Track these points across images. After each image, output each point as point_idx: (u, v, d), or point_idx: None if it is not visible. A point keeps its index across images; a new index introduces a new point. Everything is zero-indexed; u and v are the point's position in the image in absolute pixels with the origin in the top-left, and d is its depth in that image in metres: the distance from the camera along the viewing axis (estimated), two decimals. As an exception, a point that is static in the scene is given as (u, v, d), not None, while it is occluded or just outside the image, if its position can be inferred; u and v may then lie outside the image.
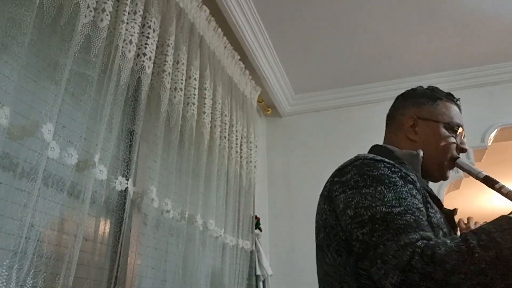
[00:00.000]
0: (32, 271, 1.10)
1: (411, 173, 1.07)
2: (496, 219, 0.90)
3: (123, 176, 1.50)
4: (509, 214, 0.91)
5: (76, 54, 1.28)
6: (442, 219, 1.08)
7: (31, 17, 1.12)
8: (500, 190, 1.16)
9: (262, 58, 2.87)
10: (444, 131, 1.22)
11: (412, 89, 1.34)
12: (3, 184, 1.14)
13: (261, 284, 2.66)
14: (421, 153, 1.19)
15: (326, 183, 1.11)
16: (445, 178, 1.25)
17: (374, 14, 2.60)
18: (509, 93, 3.11)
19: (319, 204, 1.12)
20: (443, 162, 1.22)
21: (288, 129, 3.58)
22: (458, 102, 1.31)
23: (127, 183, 1.50)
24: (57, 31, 1.28)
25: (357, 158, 1.06)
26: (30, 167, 1.11)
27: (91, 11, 1.36)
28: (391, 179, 0.99)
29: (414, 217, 0.92)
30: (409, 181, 1.01)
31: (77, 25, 1.29)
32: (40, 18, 1.19)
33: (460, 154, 1.26)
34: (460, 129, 1.24)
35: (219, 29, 2.37)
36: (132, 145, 1.59)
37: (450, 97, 1.29)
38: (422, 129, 1.23)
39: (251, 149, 2.74)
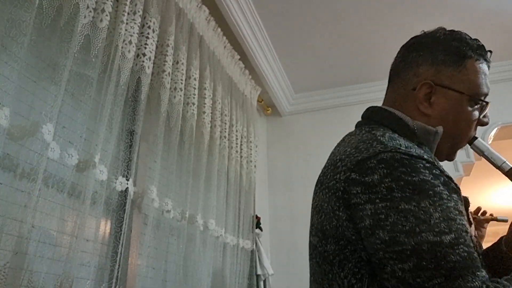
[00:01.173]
0: (33, 272, 1.10)
1: (439, 163, 0.87)
2: None
3: (123, 176, 1.50)
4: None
5: (75, 55, 1.28)
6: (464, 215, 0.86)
7: (30, 17, 1.12)
8: None
9: (261, 57, 2.87)
10: (467, 104, 0.95)
11: (431, 34, 1.01)
12: (4, 185, 1.14)
13: (262, 283, 2.66)
14: (440, 130, 0.93)
15: (334, 174, 0.85)
16: (452, 159, 1.02)
17: (374, 14, 2.60)
18: (509, 92, 3.11)
19: (323, 202, 0.87)
20: (460, 142, 0.98)
21: (288, 128, 3.58)
22: (490, 58, 1.01)
23: (127, 183, 1.50)
24: (56, 31, 1.28)
25: (385, 148, 0.80)
26: (30, 167, 1.11)
27: (90, 11, 1.36)
28: (435, 188, 0.76)
29: (467, 249, 0.72)
30: (452, 189, 0.79)
31: (76, 25, 1.29)
32: (39, 19, 1.19)
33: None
34: (487, 105, 0.97)
35: (219, 29, 2.37)
36: (132, 145, 1.59)
37: (482, 53, 0.99)
38: (439, 99, 0.95)
39: (251, 149, 2.74)
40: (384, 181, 0.76)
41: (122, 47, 1.48)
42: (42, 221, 1.16)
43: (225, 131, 2.36)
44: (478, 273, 0.70)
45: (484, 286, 0.68)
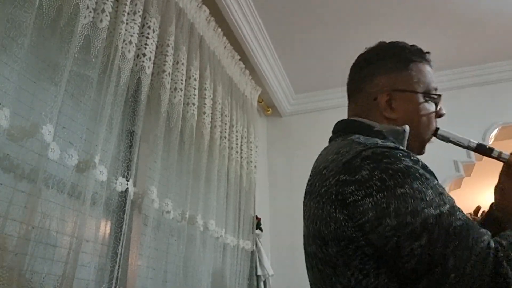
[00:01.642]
0: (33, 272, 1.10)
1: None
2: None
3: (123, 177, 1.50)
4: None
5: (75, 55, 1.28)
6: None
7: (30, 18, 1.12)
8: (500, 156, 1.03)
9: (262, 58, 2.87)
10: (423, 101, 1.05)
11: (375, 49, 1.12)
12: (4, 185, 1.14)
13: (262, 284, 2.65)
14: (407, 128, 1.00)
15: (323, 181, 0.90)
16: (422, 152, 1.09)
17: (374, 14, 2.60)
18: (510, 91, 3.11)
19: (316, 209, 0.90)
20: (426, 137, 1.07)
21: (288, 129, 3.58)
22: (430, 58, 1.11)
23: (127, 184, 1.50)
24: (56, 32, 1.28)
25: (365, 147, 0.87)
26: (30, 168, 1.11)
27: (90, 11, 1.35)
28: (419, 171, 0.83)
29: (463, 213, 0.80)
30: (430, 172, 0.87)
31: (76, 26, 1.29)
32: (39, 19, 1.19)
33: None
34: (438, 97, 1.07)
35: (219, 29, 2.37)
36: (132, 146, 1.59)
37: (422, 55, 1.09)
38: (399, 103, 1.03)
39: (251, 149, 2.74)
40: (374, 175, 0.82)
41: (122, 47, 1.48)
42: (42, 221, 1.15)
43: (225, 132, 2.36)
44: (482, 230, 0.78)
45: (491, 240, 0.76)
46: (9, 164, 1.16)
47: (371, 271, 0.82)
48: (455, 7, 2.55)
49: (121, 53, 1.48)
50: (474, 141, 1.07)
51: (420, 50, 1.10)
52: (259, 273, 2.64)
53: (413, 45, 1.11)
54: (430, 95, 1.06)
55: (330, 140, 1.10)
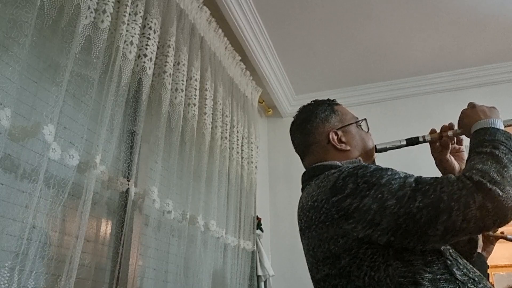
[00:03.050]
0: (34, 272, 1.10)
1: None
2: (470, 143, 1.09)
3: (124, 177, 1.50)
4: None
5: (77, 56, 1.28)
6: None
7: (32, 18, 1.13)
8: (425, 139, 1.29)
9: (263, 58, 2.87)
10: (356, 128, 1.31)
11: (304, 111, 1.39)
12: (5, 185, 1.14)
13: (262, 284, 2.65)
14: (361, 159, 1.25)
15: (318, 211, 1.07)
16: None
17: (374, 14, 2.60)
18: (510, 93, 3.10)
19: (321, 235, 1.06)
20: (372, 154, 1.31)
21: (289, 129, 3.58)
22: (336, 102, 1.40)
23: (128, 184, 1.50)
24: (58, 32, 1.28)
25: (340, 171, 1.07)
26: (31, 168, 1.11)
27: (91, 12, 1.36)
28: (387, 167, 1.05)
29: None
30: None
31: (77, 26, 1.29)
32: (41, 20, 1.19)
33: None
34: (363, 121, 1.34)
35: (220, 30, 2.37)
36: (133, 146, 1.59)
37: (333, 101, 1.38)
38: (346, 136, 1.28)
39: (252, 150, 2.74)
40: (358, 182, 1.00)
41: (123, 48, 1.48)
42: (43, 221, 1.16)
43: (226, 132, 2.36)
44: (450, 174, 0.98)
45: (461, 176, 0.95)
46: (10, 164, 1.16)
47: (380, 266, 0.97)
48: (455, 8, 2.55)
49: (122, 54, 1.48)
50: (403, 139, 1.31)
51: (330, 99, 1.39)
52: (260, 273, 2.64)
53: (327, 100, 1.39)
54: (357, 122, 1.33)
55: (302, 189, 1.31)
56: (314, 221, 1.08)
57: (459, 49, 2.96)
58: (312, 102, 1.40)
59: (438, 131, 1.31)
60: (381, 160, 1.33)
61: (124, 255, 1.52)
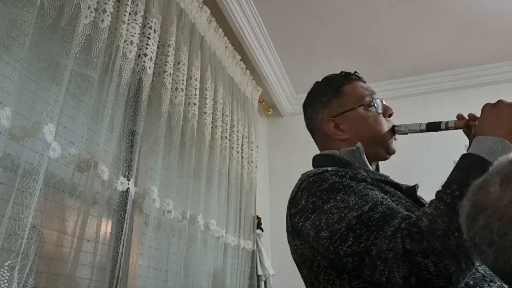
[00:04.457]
0: (34, 271, 1.10)
1: (361, 170, 1.06)
2: (457, 163, 0.89)
3: (124, 177, 1.50)
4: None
5: (77, 55, 1.28)
6: (409, 203, 1.03)
7: (32, 18, 1.13)
8: (447, 126, 1.13)
9: (263, 58, 2.87)
10: (363, 111, 1.18)
11: (311, 90, 1.29)
12: (5, 184, 1.14)
13: (262, 284, 2.65)
14: (359, 145, 1.14)
15: (286, 219, 1.08)
16: (392, 151, 1.20)
17: (375, 14, 2.60)
18: (510, 93, 3.10)
19: (289, 242, 1.09)
20: (382, 137, 1.17)
21: (289, 129, 3.58)
22: (357, 74, 1.28)
23: (128, 184, 1.50)
24: (58, 32, 1.28)
25: (302, 180, 1.04)
26: (31, 167, 1.11)
27: (92, 11, 1.36)
28: (344, 183, 0.95)
29: (385, 206, 0.88)
30: (360, 180, 0.98)
31: (78, 25, 1.29)
32: (41, 19, 1.19)
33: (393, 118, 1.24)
34: (375, 100, 1.20)
35: (220, 30, 2.37)
36: (133, 146, 1.59)
37: (350, 77, 1.25)
38: (345, 123, 1.18)
39: (252, 149, 2.74)
40: (308, 201, 0.97)
41: (123, 48, 1.48)
42: (43, 221, 1.16)
43: (226, 132, 2.36)
44: (399, 214, 0.85)
45: (402, 221, 0.82)
46: (10, 164, 1.16)
47: (335, 280, 0.94)
48: (455, 8, 2.55)
49: (122, 53, 1.48)
50: (424, 123, 1.18)
51: (347, 73, 1.26)
52: (260, 273, 2.64)
53: (341, 72, 1.28)
54: (366, 104, 1.19)
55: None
56: (286, 222, 1.11)
57: (459, 49, 2.96)
58: (324, 79, 1.28)
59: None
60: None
61: (124, 254, 1.52)
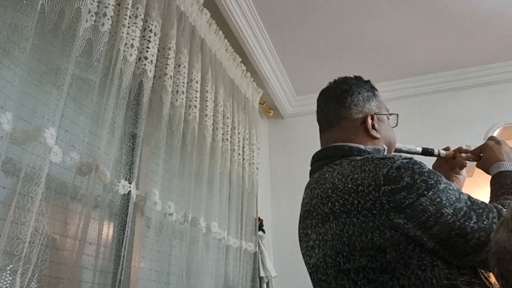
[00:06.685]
0: (36, 275, 1.10)
1: None
2: (499, 179, 1.16)
3: (126, 180, 1.50)
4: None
5: (77, 59, 1.29)
6: None
7: (32, 22, 1.13)
8: (439, 154, 1.31)
9: (263, 60, 2.87)
10: (387, 120, 1.26)
11: (348, 81, 1.28)
12: (6, 188, 1.14)
13: (265, 285, 2.65)
14: (385, 146, 1.21)
15: (362, 197, 0.98)
16: None
17: (375, 15, 2.60)
18: (510, 93, 3.10)
19: (363, 223, 0.97)
20: (392, 150, 1.27)
21: (290, 130, 3.58)
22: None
23: (130, 187, 1.50)
24: (58, 36, 1.28)
25: (393, 160, 1.00)
26: (33, 171, 1.11)
27: (92, 15, 1.36)
28: (435, 171, 1.03)
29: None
30: None
31: (78, 29, 1.30)
32: (41, 23, 1.20)
33: None
34: (394, 114, 1.29)
35: (220, 32, 2.37)
36: (134, 149, 1.59)
37: (374, 85, 1.30)
38: (379, 124, 1.22)
39: (253, 151, 2.74)
40: (415, 179, 0.96)
41: (124, 51, 1.49)
42: (45, 224, 1.16)
43: (227, 134, 2.36)
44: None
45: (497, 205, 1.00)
46: (12, 168, 1.16)
47: (428, 265, 0.94)
48: (456, 8, 2.55)
49: (123, 57, 1.48)
50: (420, 147, 1.32)
51: (370, 81, 1.29)
52: (262, 274, 2.63)
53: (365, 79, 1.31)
54: (389, 115, 1.27)
55: (322, 165, 1.19)
56: (356, 207, 0.99)
57: (459, 49, 2.96)
58: (355, 76, 1.29)
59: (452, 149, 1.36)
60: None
61: (126, 257, 1.52)
